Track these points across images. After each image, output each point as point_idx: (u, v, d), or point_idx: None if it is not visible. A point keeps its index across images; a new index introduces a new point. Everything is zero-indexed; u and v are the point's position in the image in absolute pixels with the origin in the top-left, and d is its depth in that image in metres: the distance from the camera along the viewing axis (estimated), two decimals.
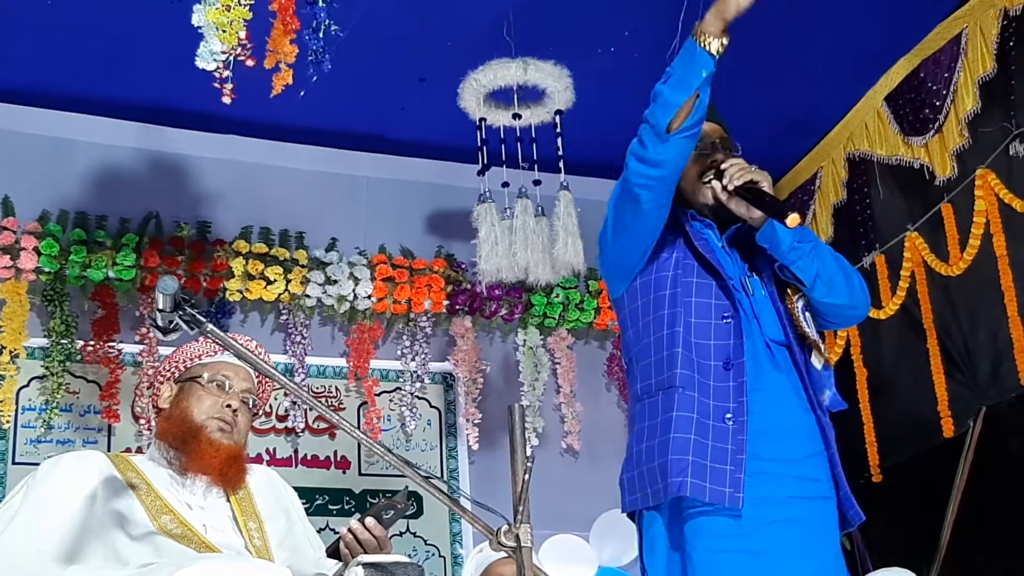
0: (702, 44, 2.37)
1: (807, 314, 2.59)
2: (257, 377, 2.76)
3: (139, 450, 4.45)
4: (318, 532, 2.89)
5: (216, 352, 2.71)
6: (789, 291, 2.59)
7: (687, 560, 2.40)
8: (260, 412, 2.87)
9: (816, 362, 2.56)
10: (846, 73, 4.84)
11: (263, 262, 4.89)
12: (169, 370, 2.75)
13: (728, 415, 2.41)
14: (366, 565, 2.32)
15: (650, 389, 2.51)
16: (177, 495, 2.57)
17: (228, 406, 2.64)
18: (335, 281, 4.98)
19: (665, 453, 2.40)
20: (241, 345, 2.20)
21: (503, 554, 3.20)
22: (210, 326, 2.04)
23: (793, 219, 2.38)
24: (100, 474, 2.54)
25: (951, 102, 4.52)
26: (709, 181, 2.58)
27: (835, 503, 2.49)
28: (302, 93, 3.58)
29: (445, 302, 5.13)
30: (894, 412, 4.90)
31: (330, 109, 4.90)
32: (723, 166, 2.55)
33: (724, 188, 2.53)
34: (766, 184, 2.52)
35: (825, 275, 2.54)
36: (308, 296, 4.96)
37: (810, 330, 2.57)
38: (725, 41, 2.38)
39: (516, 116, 4.46)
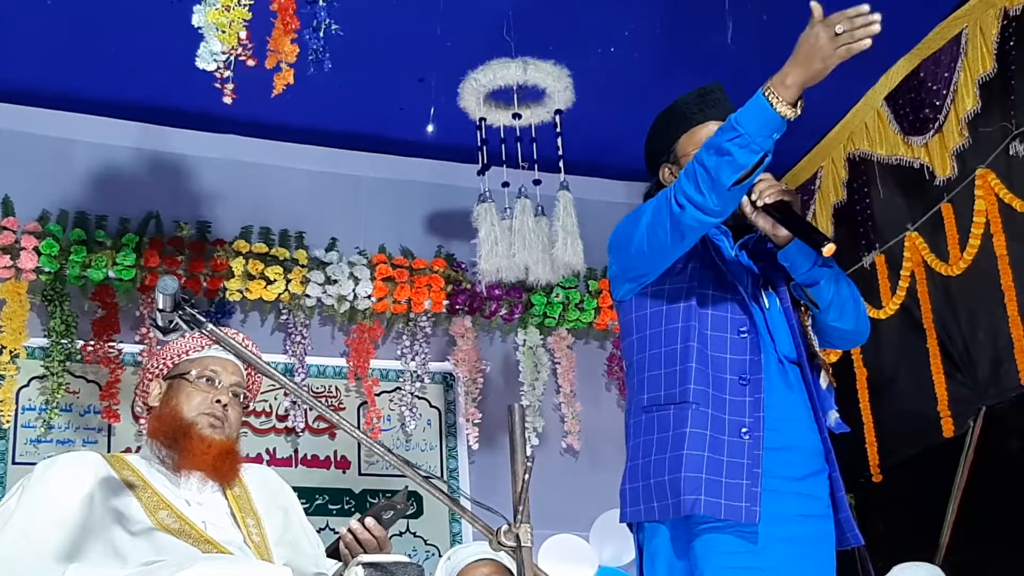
0: (776, 108, 2.26)
1: (813, 331, 2.58)
2: (246, 369, 2.73)
3: (139, 450, 4.45)
4: (318, 532, 2.88)
5: (203, 347, 2.69)
6: (803, 308, 2.57)
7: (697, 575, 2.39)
8: (250, 405, 2.85)
9: (822, 382, 2.55)
10: (846, 73, 4.79)
11: (263, 262, 4.90)
12: (157, 367, 2.72)
13: (744, 429, 2.38)
14: (366, 565, 2.32)
15: (659, 401, 2.46)
16: (174, 492, 2.57)
17: (218, 401, 2.63)
18: (335, 281, 4.98)
19: (677, 469, 2.36)
20: (237, 342, 2.20)
21: (473, 558, 3.20)
22: (210, 326, 2.04)
23: (829, 248, 2.31)
24: (96, 474, 2.53)
25: (951, 102, 4.52)
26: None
27: (833, 522, 2.47)
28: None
29: (445, 302, 5.13)
30: (894, 412, 4.91)
31: (330, 109, 4.90)
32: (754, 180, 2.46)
33: (752, 203, 2.47)
34: (796, 204, 2.46)
35: (839, 301, 2.52)
36: (308, 296, 4.96)
37: (818, 348, 2.57)
38: (800, 107, 2.27)
39: (516, 116, 4.46)
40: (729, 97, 2.70)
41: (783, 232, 2.46)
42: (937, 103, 4.58)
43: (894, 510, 4.73)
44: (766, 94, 2.28)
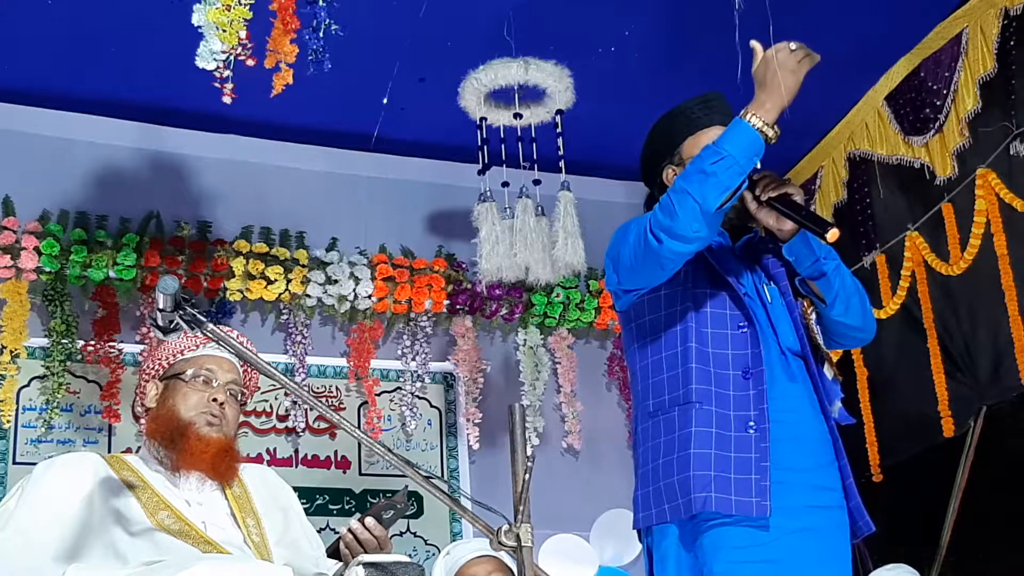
0: (760, 129, 2.34)
1: (819, 327, 2.60)
2: (242, 366, 2.73)
3: (139, 450, 4.46)
4: (318, 532, 2.88)
5: (198, 346, 2.69)
6: (805, 303, 2.59)
7: (707, 572, 2.38)
8: (248, 403, 2.85)
9: (827, 373, 2.57)
10: (846, 73, 4.83)
11: (264, 262, 4.89)
12: (153, 368, 2.73)
13: (750, 423, 2.39)
14: (366, 565, 2.32)
15: (664, 405, 2.48)
16: (174, 493, 2.57)
17: (214, 400, 2.63)
18: (335, 281, 4.98)
19: (685, 469, 2.38)
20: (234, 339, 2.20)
21: (473, 555, 3.20)
22: (210, 326, 2.04)
23: (833, 234, 2.34)
24: (95, 474, 2.53)
25: (951, 102, 4.52)
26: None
27: (847, 513, 2.48)
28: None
29: (446, 302, 5.13)
30: (894, 412, 4.90)
31: (330, 109, 4.90)
32: (755, 176, 2.49)
33: (755, 198, 2.48)
34: (799, 196, 2.48)
35: (844, 295, 2.54)
36: (309, 296, 4.96)
37: (822, 341, 2.59)
38: (777, 131, 2.35)
39: (517, 116, 4.46)
40: (730, 102, 2.71)
41: (788, 226, 2.48)
42: (938, 103, 4.58)
43: (894, 510, 4.73)
44: (747, 118, 2.35)
